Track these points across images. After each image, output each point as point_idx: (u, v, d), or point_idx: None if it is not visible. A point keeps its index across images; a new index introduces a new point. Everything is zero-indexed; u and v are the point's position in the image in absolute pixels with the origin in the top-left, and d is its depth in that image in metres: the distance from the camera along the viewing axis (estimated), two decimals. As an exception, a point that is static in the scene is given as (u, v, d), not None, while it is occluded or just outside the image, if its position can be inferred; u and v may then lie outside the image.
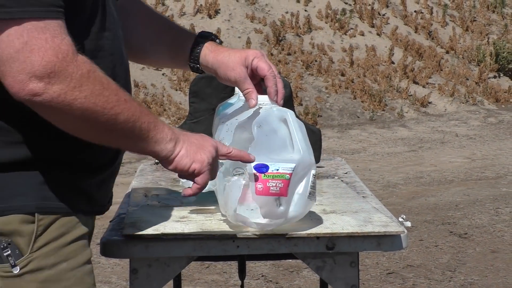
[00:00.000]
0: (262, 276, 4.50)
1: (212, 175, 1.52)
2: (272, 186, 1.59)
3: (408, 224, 1.79)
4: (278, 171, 1.60)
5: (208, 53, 1.77)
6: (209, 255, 1.68)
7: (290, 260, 4.48)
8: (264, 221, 1.60)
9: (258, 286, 4.36)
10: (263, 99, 1.71)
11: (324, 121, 10.11)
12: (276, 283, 4.41)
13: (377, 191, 6.44)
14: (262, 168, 1.60)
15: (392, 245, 1.70)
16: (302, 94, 10.58)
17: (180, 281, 2.75)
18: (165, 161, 1.48)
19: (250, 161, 1.58)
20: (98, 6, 1.47)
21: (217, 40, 1.81)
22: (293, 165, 1.61)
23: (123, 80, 1.53)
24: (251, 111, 1.69)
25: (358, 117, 10.45)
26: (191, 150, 1.48)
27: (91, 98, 1.34)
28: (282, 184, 1.59)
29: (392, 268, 4.67)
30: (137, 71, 9.80)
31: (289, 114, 1.68)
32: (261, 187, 1.59)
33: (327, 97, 10.73)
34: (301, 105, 10.23)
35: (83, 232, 1.49)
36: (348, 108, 10.62)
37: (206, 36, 1.80)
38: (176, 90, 10.11)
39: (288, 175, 1.60)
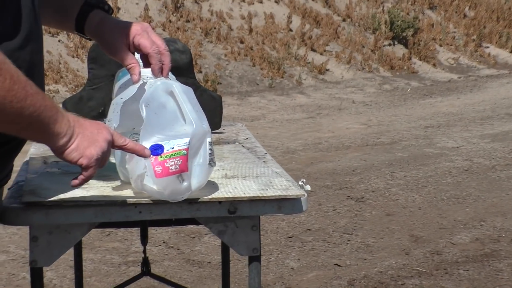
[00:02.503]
0: (164, 242, 4.50)
1: (100, 166, 1.53)
2: (171, 166, 1.58)
3: (308, 187, 1.82)
4: (174, 149, 1.59)
5: (92, 24, 1.72)
6: (110, 221, 1.67)
7: (192, 226, 4.50)
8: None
9: (160, 252, 4.36)
10: (147, 72, 1.69)
11: (224, 88, 10.12)
12: (178, 249, 4.42)
13: (277, 157, 6.52)
14: (157, 150, 1.58)
15: (292, 208, 1.73)
16: (202, 61, 10.55)
17: (80, 249, 2.73)
18: (56, 151, 1.49)
19: (145, 156, 1.57)
20: None
21: (105, 7, 1.74)
22: (187, 139, 1.60)
23: (40, 67, 1.50)
24: (135, 87, 1.67)
25: (258, 84, 10.52)
26: (81, 145, 1.48)
27: (1, 91, 1.31)
28: (181, 160, 1.59)
29: (291, 232, 4.75)
30: (31, 37, 9.55)
31: (174, 86, 1.66)
32: (160, 169, 1.58)
33: (227, 64, 10.74)
34: (201, 72, 10.21)
35: None
36: (247, 75, 10.66)
37: (92, 5, 1.73)
38: (73, 57, 9.90)
39: (185, 151, 1.59)
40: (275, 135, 7.76)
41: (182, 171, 1.59)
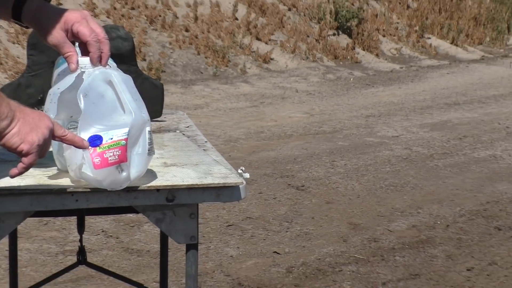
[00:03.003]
0: (103, 231, 4.48)
1: (41, 155, 1.50)
2: (110, 156, 1.57)
3: (247, 175, 1.84)
4: (113, 139, 1.58)
5: (29, 11, 1.69)
6: (47, 210, 1.66)
7: (131, 215, 4.48)
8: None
9: (99, 241, 4.34)
10: (85, 61, 1.66)
11: (168, 76, 10.08)
12: (117, 238, 4.41)
13: (219, 145, 6.53)
14: (96, 141, 1.57)
15: (231, 196, 1.74)
16: (146, 49, 10.48)
17: (15, 238, 2.70)
18: None
19: (83, 148, 1.56)
20: None
21: None
22: (126, 130, 1.59)
23: None
24: (73, 76, 1.66)
25: (202, 72, 10.49)
26: (23, 130, 1.45)
27: None
28: (120, 151, 1.58)
29: (232, 220, 4.78)
30: (-29, 21, 9.35)
31: (113, 75, 1.64)
32: (99, 160, 1.57)
33: (171, 52, 10.69)
34: (145, 60, 10.14)
35: None
36: (191, 63, 10.63)
37: None
38: (14, 43, 9.73)
39: (124, 141, 1.59)
40: (218, 123, 7.76)
41: (121, 161, 1.59)
